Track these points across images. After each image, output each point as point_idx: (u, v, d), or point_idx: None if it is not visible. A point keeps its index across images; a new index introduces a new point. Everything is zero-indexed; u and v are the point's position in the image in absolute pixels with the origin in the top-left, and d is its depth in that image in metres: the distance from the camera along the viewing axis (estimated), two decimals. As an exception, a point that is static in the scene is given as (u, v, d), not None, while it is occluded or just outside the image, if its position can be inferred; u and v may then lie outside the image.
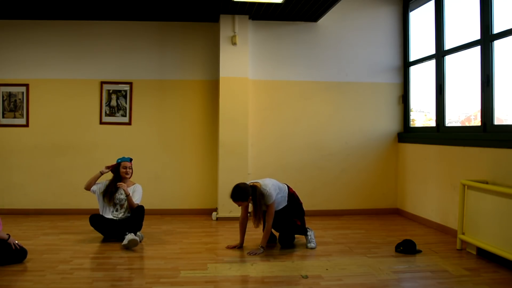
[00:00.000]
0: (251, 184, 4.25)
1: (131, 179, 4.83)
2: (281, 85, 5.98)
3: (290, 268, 3.73)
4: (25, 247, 3.81)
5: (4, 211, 5.75)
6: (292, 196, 4.48)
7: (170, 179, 6.03)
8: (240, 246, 4.33)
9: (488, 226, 3.89)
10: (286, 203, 4.41)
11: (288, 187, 4.51)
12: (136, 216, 4.47)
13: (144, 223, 5.38)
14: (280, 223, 4.36)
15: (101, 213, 4.63)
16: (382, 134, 6.08)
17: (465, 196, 4.20)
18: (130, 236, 4.21)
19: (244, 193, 4.14)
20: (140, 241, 4.42)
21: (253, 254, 4.11)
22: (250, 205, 4.29)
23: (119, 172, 4.73)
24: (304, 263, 3.90)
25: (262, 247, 4.20)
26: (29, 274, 3.46)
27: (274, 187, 4.28)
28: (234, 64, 5.73)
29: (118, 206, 4.65)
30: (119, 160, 4.78)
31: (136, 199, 4.64)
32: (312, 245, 4.36)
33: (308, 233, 4.45)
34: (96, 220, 4.52)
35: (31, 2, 5.17)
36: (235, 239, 4.46)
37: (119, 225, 4.49)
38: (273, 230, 4.44)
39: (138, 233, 4.44)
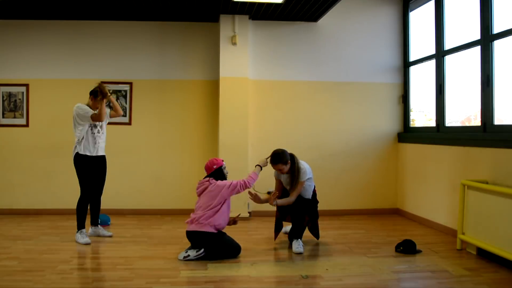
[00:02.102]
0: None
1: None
2: (281, 85, 5.99)
3: (290, 268, 3.73)
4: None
5: (4, 211, 5.76)
6: (315, 194, 4.51)
7: (170, 179, 6.03)
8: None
9: (488, 226, 3.89)
10: (310, 197, 4.42)
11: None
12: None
13: (144, 223, 5.43)
14: (296, 210, 4.31)
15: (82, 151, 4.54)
16: (382, 134, 6.08)
17: (465, 196, 4.20)
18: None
19: (284, 155, 4.23)
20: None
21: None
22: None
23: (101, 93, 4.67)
24: (304, 263, 3.90)
25: (276, 204, 4.30)
26: (29, 274, 3.46)
27: (309, 169, 4.35)
28: (234, 64, 5.73)
29: (98, 127, 4.68)
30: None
31: None
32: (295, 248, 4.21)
33: (298, 240, 4.27)
34: (80, 158, 4.53)
35: (31, 2, 5.17)
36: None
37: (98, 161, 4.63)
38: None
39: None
